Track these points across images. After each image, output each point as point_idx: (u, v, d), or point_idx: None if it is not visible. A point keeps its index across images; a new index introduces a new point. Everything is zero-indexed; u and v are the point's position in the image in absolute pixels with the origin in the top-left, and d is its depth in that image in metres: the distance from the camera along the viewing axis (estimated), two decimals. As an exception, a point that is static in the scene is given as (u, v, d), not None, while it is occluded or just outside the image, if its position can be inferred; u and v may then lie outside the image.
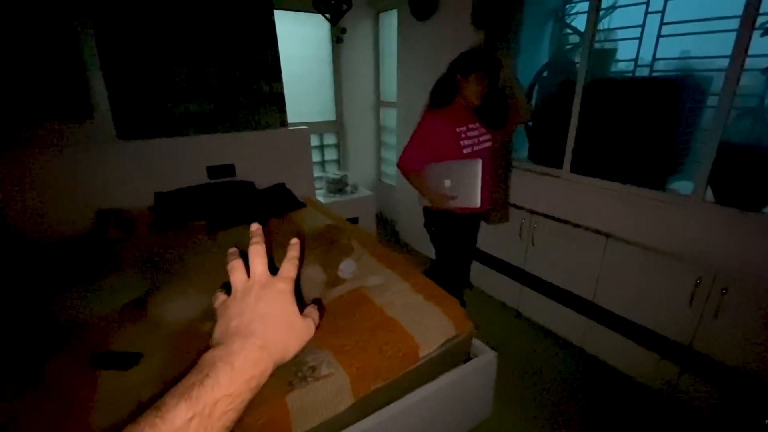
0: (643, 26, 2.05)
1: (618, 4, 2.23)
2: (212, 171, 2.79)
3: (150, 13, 2.38)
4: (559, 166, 2.19)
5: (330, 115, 3.69)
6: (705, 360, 1.67)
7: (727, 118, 1.57)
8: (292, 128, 3.08)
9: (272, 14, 2.79)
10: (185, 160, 2.65)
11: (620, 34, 2.35)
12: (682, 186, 1.91)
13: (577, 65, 2.07)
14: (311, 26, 3.30)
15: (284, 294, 0.43)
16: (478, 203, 1.80)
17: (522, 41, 2.16)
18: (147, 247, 2.14)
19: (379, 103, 3.79)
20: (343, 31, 3.36)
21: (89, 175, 2.34)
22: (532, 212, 2.30)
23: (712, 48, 1.91)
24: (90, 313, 1.52)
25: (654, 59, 2.05)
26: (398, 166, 1.89)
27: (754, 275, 1.48)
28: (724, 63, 1.61)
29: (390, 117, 3.68)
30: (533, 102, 2.47)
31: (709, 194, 1.72)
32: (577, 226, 2.09)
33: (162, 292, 1.67)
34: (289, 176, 3.05)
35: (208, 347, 0.38)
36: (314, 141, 3.64)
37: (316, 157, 3.69)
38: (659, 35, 2.02)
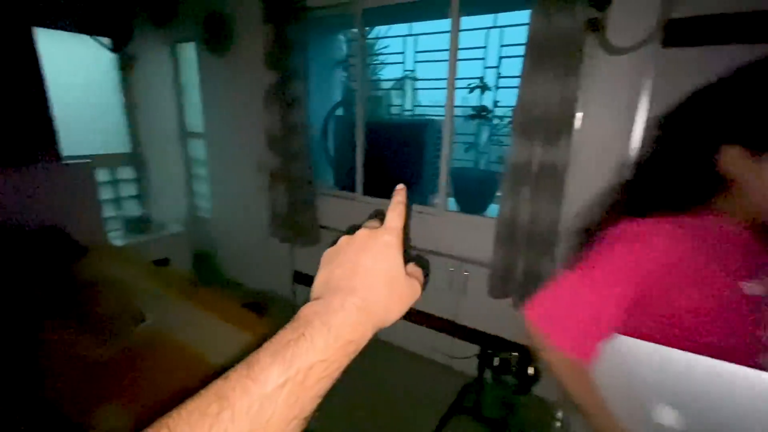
0: (402, 80, 2.67)
1: (382, 61, 2.83)
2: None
3: None
4: (355, 190, 2.58)
5: (124, 147, 3.29)
6: (465, 328, 2.23)
7: (452, 150, 2.20)
8: (68, 162, 2.62)
9: (30, 30, 2.37)
10: None
11: (391, 84, 2.99)
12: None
13: (356, 108, 2.51)
14: (90, 50, 2.93)
15: (390, 248, 0.38)
16: None
17: (315, 84, 2.49)
18: None
19: (185, 134, 3.60)
20: (131, 59, 3.10)
21: None
22: (341, 231, 2.61)
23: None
24: None
25: (415, 106, 2.69)
26: (530, 322, 0.71)
27: (481, 260, 2.08)
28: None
29: (200, 149, 3.53)
30: (330, 137, 2.84)
31: (454, 205, 2.35)
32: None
33: None
34: (70, 218, 2.56)
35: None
36: (105, 176, 3.17)
37: (108, 194, 3.20)
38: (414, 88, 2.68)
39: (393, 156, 2.52)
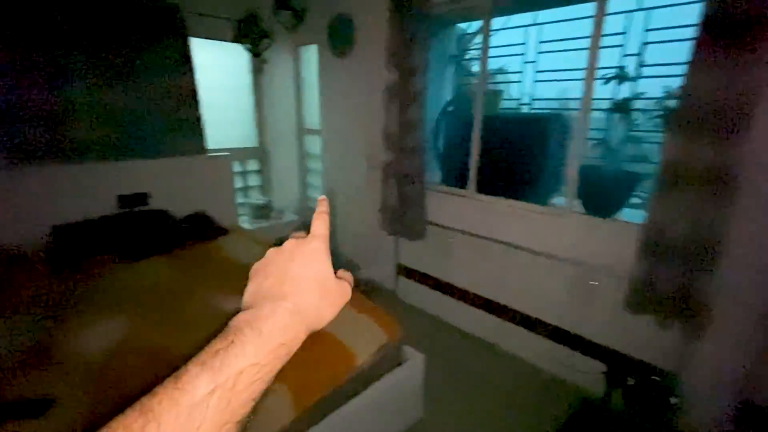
0: (523, 72, 2.53)
1: (502, 54, 2.71)
2: (124, 200, 2.61)
3: (40, 29, 2.23)
4: (466, 187, 2.53)
5: (252, 142, 3.70)
6: (587, 342, 2.05)
7: (584, 147, 2.02)
8: (212, 155, 3.03)
9: (186, 40, 2.78)
10: (88, 189, 2.45)
11: (506, 77, 2.86)
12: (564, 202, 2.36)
13: (474, 102, 2.45)
14: (231, 56, 3.34)
15: (318, 253, 0.40)
16: None
17: (430, 81, 2.50)
18: (41, 286, 1.92)
19: (302, 131, 3.91)
20: (264, 62, 3.45)
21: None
22: (447, 228, 2.60)
23: (574, 92, 2.44)
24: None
25: (533, 99, 2.54)
26: None
27: (613, 268, 1.89)
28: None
29: (314, 144, 3.81)
30: (441, 134, 2.82)
31: (580, 206, 2.17)
32: (483, 238, 2.41)
33: (67, 331, 1.54)
34: (210, 203, 2.97)
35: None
36: (237, 167, 3.60)
37: (238, 183, 3.64)
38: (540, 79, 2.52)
39: (510, 152, 2.41)
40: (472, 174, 2.47)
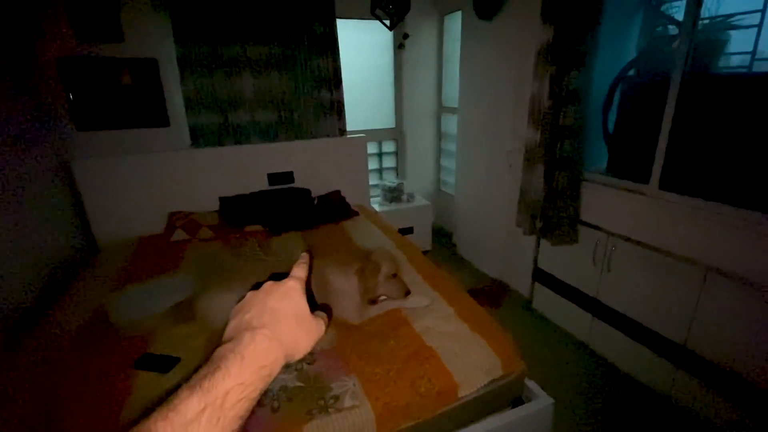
0: (763, 12, 1.66)
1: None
2: (272, 178, 2.87)
3: (218, 38, 2.53)
4: (645, 181, 1.85)
5: (389, 123, 3.63)
6: None
7: None
8: (349, 136, 3.07)
9: (334, 22, 2.81)
10: (248, 167, 2.77)
11: (733, 21, 1.94)
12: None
13: (674, 59, 1.72)
14: (373, 33, 3.28)
15: (294, 290, 0.44)
16: None
17: (601, 37, 1.87)
18: (206, 249, 2.25)
19: (440, 110, 3.65)
20: (406, 36, 3.28)
21: (164, 179, 2.54)
22: (610, 233, 1.98)
23: None
24: (139, 313, 1.61)
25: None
26: None
27: None
28: None
29: (451, 123, 3.50)
30: (614, 107, 2.14)
31: None
32: (665, 253, 1.74)
33: (209, 295, 1.71)
34: (346, 183, 3.03)
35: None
36: (373, 148, 3.61)
37: (374, 164, 3.65)
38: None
39: (727, 133, 1.63)
40: (658, 163, 1.79)
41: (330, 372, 1.24)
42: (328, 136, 3.01)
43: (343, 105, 3.00)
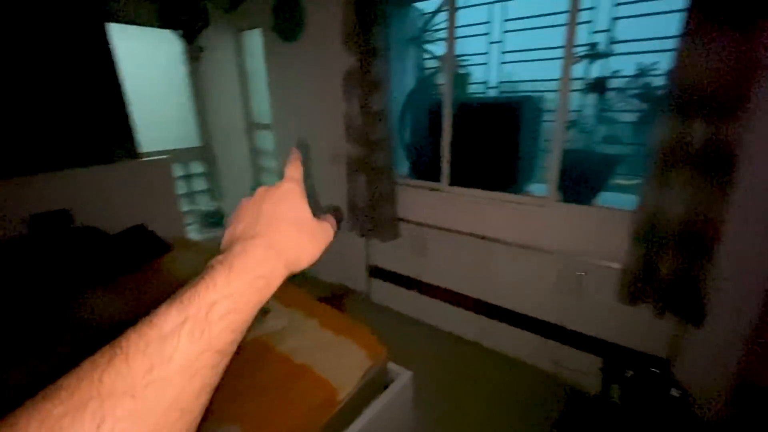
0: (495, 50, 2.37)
1: (465, 34, 2.53)
2: (38, 220, 2.16)
3: None
4: (439, 179, 2.35)
5: (194, 141, 3.28)
6: (577, 335, 1.97)
7: (565, 130, 1.90)
8: (147, 159, 2.62)
9: (104, 27, 2.34)
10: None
11: (470, 60, 2.69)
12: (538, 189, 2.25)
13: (442, 88, 2.25)
14: (159, 43, 2.89)
15: (291, 192, 0.39)
16: None
17: (394, 66, 2.27)
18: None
19: (252, 126, 3.54)
20: (199, 49, 3.04)
21: None
22: (421, 225, 2.42)
23: (539, 73, 2.32)
24: None
25: (501, 82, 2.39)
26: None
27: (601, 257, 1.80)
28: (553, 85, 1.97)
29: (266, 139, 3.46)
30: (407, 124, 2.62)
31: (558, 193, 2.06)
32: (462, 233, 2.26)
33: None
34: (150, 215, 2.57)
35: None
36: (179, 171, 3.18)
37: (183, 189, 3.22)
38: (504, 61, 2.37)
39: (483, 140, 2.25)
40: (445, 165, 2.30)
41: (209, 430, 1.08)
42: (115, 161, 2.48)
43: (130, 123, 2.53)
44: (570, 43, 1.71)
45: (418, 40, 2.68)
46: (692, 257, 1.43)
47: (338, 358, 1.39)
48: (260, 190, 0.40)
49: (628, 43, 2.02)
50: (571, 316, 1.97)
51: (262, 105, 3.33)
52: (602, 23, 2.08)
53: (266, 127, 3.33)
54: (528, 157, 2.23)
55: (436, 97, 2.33)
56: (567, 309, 1.97)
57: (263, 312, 1.50)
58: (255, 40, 3.13)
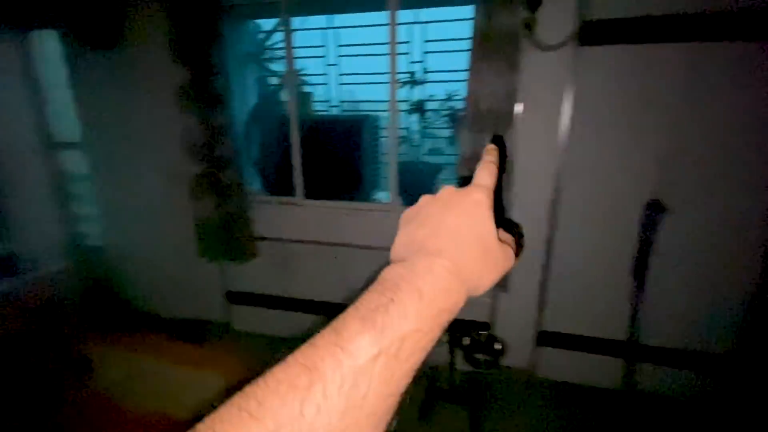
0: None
1: (304, 55, 2.67)
2: None
3: None
4: (294, 194, 2.40)
5: (-41, 168, 2.47)
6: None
7: (397, 144, 2.20)
8: None
9: None
10: None
11: (312, 79, 2.85)
12: (384, 196, 2.53)
13: (287, 105, 2.31)
14: None
15: (480, 206, 0.33)
16: None
17: (231, 81, 2.21)
18: None
19: (53, 145, 2.87)
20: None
21: None
22: (281, 240, 2.41)
23: (374, 94, 2.63)
24: None
25: (341, 101, 2.61)
26: None
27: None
28: (385, 105, 2.27)
29: (75, 161, 2.86)
30: (254, 140, 2.58)
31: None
32: (322, 243, 2.36)
33: None
34: None
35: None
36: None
37: (-59, 232, 2.38)
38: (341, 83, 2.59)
39: (331, 155, 2.41)
40: (298, 179, 2.36)
41: None
42: None
43: None
44: (393, 70, 2.01)
45: (259, 57, 2.68)
46: (496, 239, 1.87)
47: (186, 390, 1.29)
48: (445, 191, 0.36)
49: (439, 73, 2.49)
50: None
51: (66, 119, 2.74)
52: (417, 55, 2.51)
53: (73, 146, 2.76)
54: (372, 169, 2.50)
55: (280, 114, 2.37)
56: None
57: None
58: (51, 44, 2.58)
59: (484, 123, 1.74)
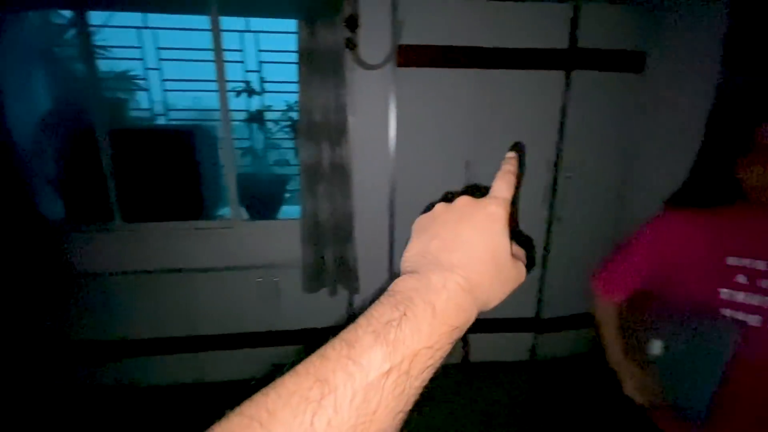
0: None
1: (115, 56, 2.29)
2: None
3: None
4: (111, 218, 2.02)
5: None
6: (284, 333, 2.23)
7: (233, 156, 2.08)
8: None
9: None
10: None
11: (131, 84, 2.46)
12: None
13: (92, 113, 1.94)
14: None
15: (496, 221, 0.32)
16: (697, 421, 0.81)
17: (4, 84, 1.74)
18: None
19: None
20: None
21: None
22: (102, 274, 2.01)
23: (207, 103, 2.43)
24: None
25: (168, 110, 2.33)
26: (591, 282, 1.02)
27: (290, 261, 2.11)
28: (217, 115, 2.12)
29: None
30: (48, 155, 2.09)
31: (245, 213, 2.25)
32: (152, 272, 2.05)
33: None
34: None
35: None
36: None
37: None
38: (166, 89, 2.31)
39: (157, 170, 2.12)
40: (115, 201, 2.00)
41: None
42: None
43: None
44: (221, 78, 1.90)
45: (51, 55, 2.18)
46: (342, 246, 1.95)
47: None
48: (461, 200, 0.34)
49: (277, 84, 2.44)
50: (277, 318, 2.21)
51: None
52: (253, 64, 2.42)
53: None
54: (212, 184, 2.30)
55: (84, 123, 1.97)
56: (272, 313, 2.19)
57: None
58: None
59: (320, 134, 1.80)
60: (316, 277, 1.98)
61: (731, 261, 0.80)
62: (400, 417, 0.27)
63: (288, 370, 0.26)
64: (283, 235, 2.13)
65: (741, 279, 0.78)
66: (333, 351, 0.26)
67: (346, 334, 0.27)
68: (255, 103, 2.42)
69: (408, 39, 1.91)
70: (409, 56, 1.93)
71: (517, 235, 0.36)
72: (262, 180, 2.40)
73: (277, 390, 0.24)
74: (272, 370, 0.25)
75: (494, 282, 0.32)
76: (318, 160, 1.82)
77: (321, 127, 1.78)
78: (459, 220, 0.33)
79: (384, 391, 0.25)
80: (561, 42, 2.00)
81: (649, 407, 0.92)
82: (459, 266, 0.30)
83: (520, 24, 1.96)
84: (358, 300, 2.18)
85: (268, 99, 2.44)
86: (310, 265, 1.96)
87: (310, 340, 1.88)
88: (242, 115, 2.35)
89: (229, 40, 2.26)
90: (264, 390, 0.24)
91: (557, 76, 2.04)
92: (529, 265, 0.36)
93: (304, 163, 1.82)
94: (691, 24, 1.89)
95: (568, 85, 2.03)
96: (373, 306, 0.29)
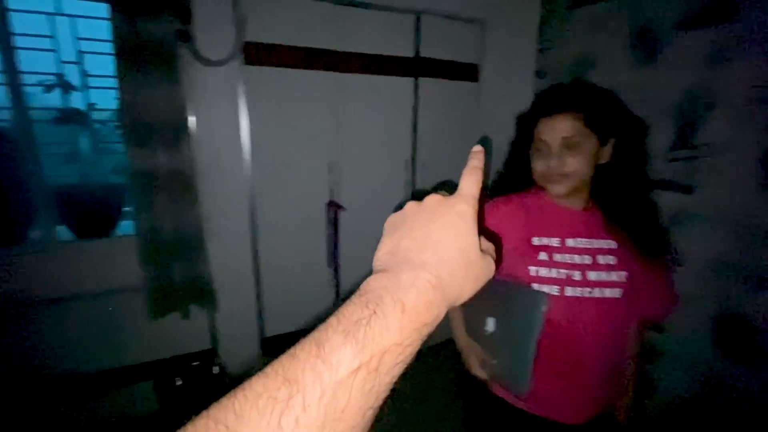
0: None
1: None
2: None
3: None
4: None
5: None
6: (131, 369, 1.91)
7: (40, 165, 1.71)
8: None
9: None
10: None
11: None
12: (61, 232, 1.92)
13: None
14: None
15: (464, 218, 0.33)
16: (523, 389, 0.88)
17: None
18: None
19: None
20: None
21: None
22: None
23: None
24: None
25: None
26: None
27: (127, 284, 1.81)
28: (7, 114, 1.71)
29: None
30: None
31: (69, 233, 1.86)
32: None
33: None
34: None
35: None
36: None
37: None
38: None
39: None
40: None
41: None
42: None
43: None
44: (13, 69, 1.53)
45: None
46: (193, 260, 1.75)
47: None
48: (431, 199, 0.35)
49: (102, 78, 2.07)
50: (115, 352, 1.88)
51: None
52: (70, 54, 2.01)
53: None
54: (14, 201, 1.84)
55: None
56: (112, 348, 1.86)
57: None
58: None
59: (152, 136, 1.58)
60: (164, 298, 1.74)
61: (535, 241, 0.92)
62: (370, 414, 0.27)
63: (257, 372, 0.25)
64: (122, 255, 1.82)
65: (543, 256, 0.91)
66: (302, 351, 0.26)
67: (316, 333, 0.27)
68: (77, 100, 2.02)
69: (256, 36, 1.81)
70: (260, 54, 1.84)
71: (486, 230, 0.37)
72: (93, 191, 2.02)
73: (245, 392, 0.24)
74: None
75: (464, 278, 0.33)
76: (152, 166, 1.60)
77: (153, 128, 1.57)
78: (429, 219, 0.34)
79: (353, 388, 0.25)
80: (407, 50, 2.13)
81: (490, 381, 1.01)
82: (429, 264, 0.31)
83: (371, 30, 2.03)
84: (221, 319, 1.99)
85: (94, 96, 2.07)
86: (156, 288, 1.72)
87: (161, 373, 1.64)
88: (53, 115, 1.94)
89: (33, 25, 1.87)
90: (231, 392, 0.24)
91: (407, 81, 2.18)
92: (498, 259, 0.37)
93: (134, 171, 1.57)
94: (510, 40, 2.20)
95: (416, 90, 2.18)
96: (344, 305, 0.29)
